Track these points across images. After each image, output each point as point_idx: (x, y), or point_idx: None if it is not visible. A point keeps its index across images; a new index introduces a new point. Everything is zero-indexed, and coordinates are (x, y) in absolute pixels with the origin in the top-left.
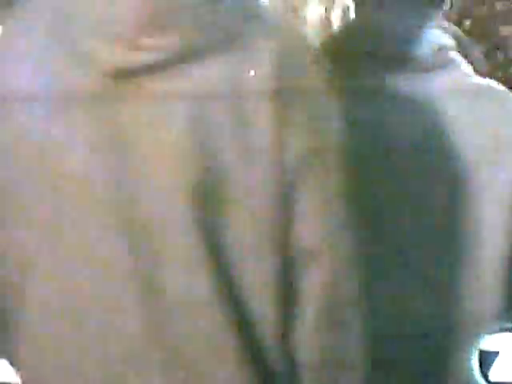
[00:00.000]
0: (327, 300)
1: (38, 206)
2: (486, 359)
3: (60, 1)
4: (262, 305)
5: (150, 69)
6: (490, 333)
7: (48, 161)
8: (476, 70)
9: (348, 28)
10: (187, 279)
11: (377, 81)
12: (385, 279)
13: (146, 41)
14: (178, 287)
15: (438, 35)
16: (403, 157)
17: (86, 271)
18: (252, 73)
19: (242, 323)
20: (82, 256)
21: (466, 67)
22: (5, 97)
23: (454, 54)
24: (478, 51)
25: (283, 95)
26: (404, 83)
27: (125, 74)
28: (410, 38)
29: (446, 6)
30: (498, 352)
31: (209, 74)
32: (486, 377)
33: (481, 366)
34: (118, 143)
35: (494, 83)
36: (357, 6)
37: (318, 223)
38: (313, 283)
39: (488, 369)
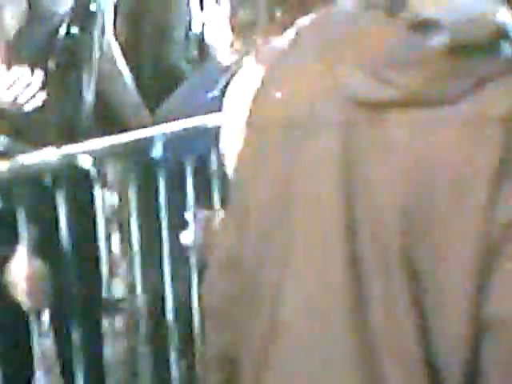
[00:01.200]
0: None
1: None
2: None
3: (329, 32)
4: (449, 352)
5: (394, 103)
6: None
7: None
8: None
9: None
10: (390, 316)
11: None
12: None
13: (394, 77)
14: (382, 322)
15: None
16: None
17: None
18: (483, 128)
19: (432, 369)
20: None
21: None
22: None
23: None
24: None
25: (507, 158)
26: None
27: (372, 106)
28: None
29: None
30: None
31: (442, 119)
32: None
33: None
34: (357, 167)
35: None
36: None
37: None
38: (496, 355)
39: None
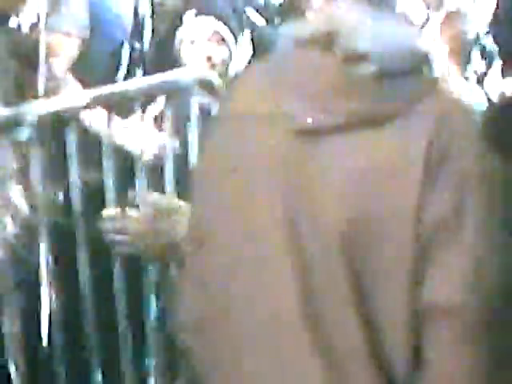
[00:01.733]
0: (452, 358)
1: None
2: None
3: (278, 62)
4: (395, 344)
5: (331, 130)
6: None
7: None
8: None
9: None
10: (336, 311)
11: None
12: None
13: (331, 105)
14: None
15: None
16: None
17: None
18: (410, 143)
19: (377, 356)
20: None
21: None
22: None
23: None
24: None
25: (431, 168)
26: None
27: (311, 132)
28: None
29: None
30: None
31: (374, 139)
32: None
33: None
34: (296, 180)
35: None
36: None
37: (448, 283)
38: (440, 339)
39: None
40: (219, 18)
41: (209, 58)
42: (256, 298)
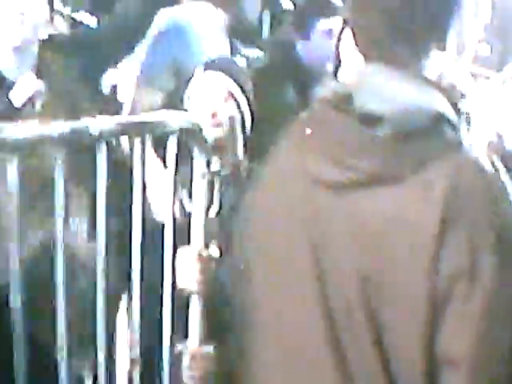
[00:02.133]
0: None
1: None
2: None
3: (307, 121)
4: None
5: (352, 185)
6: None
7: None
8: None
9: None
10: (358, 357)
11: None
12: None
13: (350, 163)
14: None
15: None
16: None
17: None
18: (427, 199)
19: None
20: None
21: None
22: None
23: None
24: None
25: (447, 223)
26: None
27: (334, 188)
28: None
29: None
30: None
31: (393, 195)
32: None
33: None
34: (322, 233)
35: None
36: None
37: (461, 335)
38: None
39: None
40: (229, 73)
41: (213, 115)
42: (287, 335)
